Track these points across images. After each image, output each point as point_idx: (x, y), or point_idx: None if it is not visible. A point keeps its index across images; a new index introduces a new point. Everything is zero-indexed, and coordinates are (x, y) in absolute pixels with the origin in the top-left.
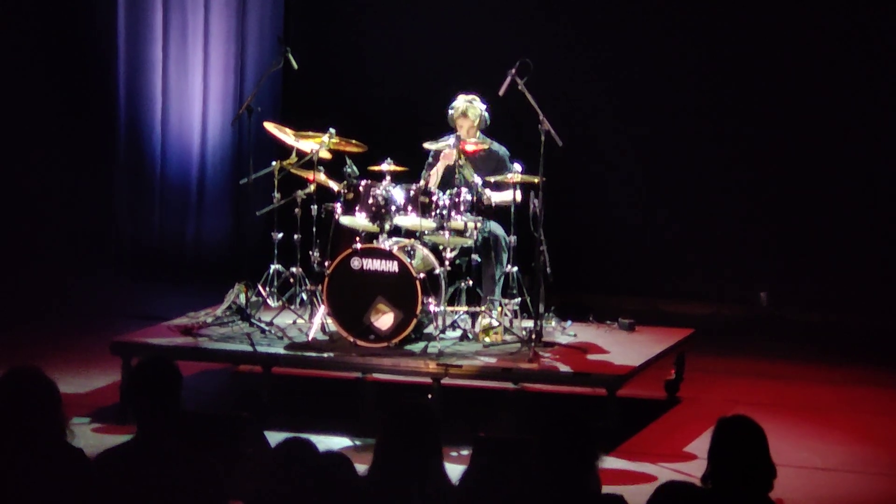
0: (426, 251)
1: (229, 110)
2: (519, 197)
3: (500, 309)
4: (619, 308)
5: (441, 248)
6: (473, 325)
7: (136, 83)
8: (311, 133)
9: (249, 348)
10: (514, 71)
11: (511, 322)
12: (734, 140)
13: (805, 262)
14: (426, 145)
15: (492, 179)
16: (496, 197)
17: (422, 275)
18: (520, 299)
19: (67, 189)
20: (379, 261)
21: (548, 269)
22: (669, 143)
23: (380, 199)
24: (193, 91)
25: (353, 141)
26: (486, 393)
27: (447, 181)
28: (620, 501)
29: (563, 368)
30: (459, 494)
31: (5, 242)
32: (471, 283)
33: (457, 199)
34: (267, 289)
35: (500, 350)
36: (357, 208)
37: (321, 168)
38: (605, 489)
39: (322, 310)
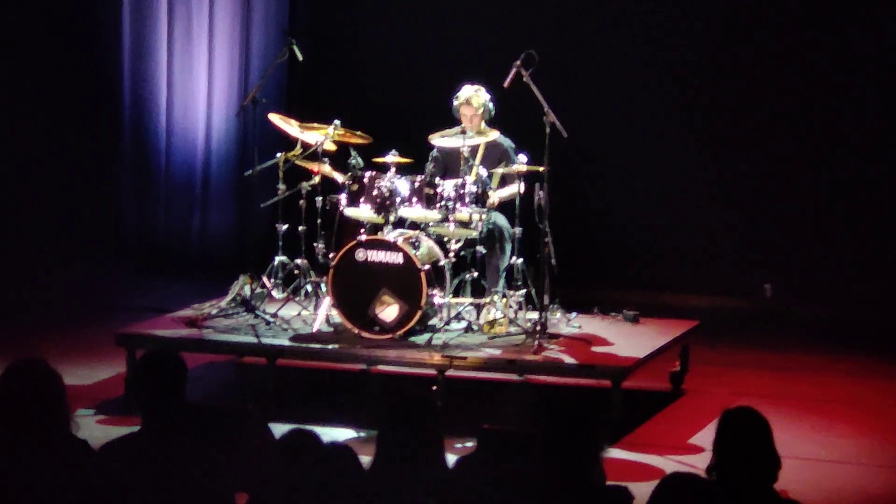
0: (431, 243)
1: (234, 102)
2: (522, 188)
3: (504, 300)
4: (624, 300)
5: (446, 239)
6: (478, 317)
7: (141, 76)
8: (315, 125)
9: (254, 340)
10: (519, 62)
11: (516, 314)
12: (740, 132)
13: (809, 255)
14: (431, 138)
15: (498, 171)
16: (501, 193)
17: (426, 266)
18: (524, 291)
19: (73, 182)
20: (384, 252)
21: (552, 261)
22: (674, 134)
23: (384, 190)
24: (198, 83)
25: (358, 132)
26: (491, 384)
27: (452, 171)
28: (625, 493)
29: (568, 360)
30: (460, 483)
31: (11, 236)
32: (475, 274)
33: (462, 191)
34: (271, 280)
35: (504, 342)
36: (362, 200)
37: (326, 160)
38: (610, 481)
39: (327, 301)
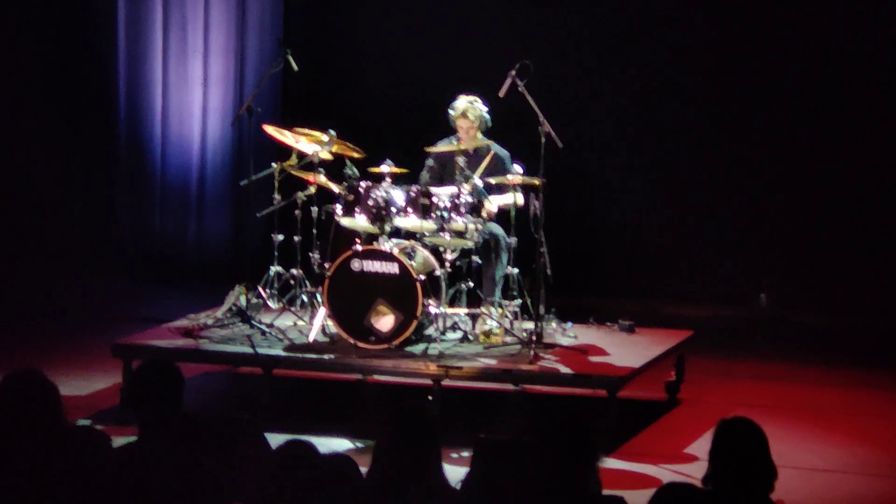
0: (426, 253)
1: (229, 112)
2: (521, 200)
3: (500, 310)
4: (620, 309)
5: (441, 249)
6: (474, 327)
7: (137, 85)
8: (311, 134)
9: (250, 350)
10: (514, 72)
11: (511, 323)
12: (734, 142)
13: (805, 264)
14: (427, 148)
15: (492, 181)
16: (497, 202)
17: (422, 276)
18: (520, 301)
19: (68, 192)
20: (379, 262)
21: (548, 271)
22: (669, 144)
23: (380, 200)
24: (193, 93)
25: (352, 147)
26: (487, 394)
27: (447, 178)
28: (621, 503)
29: (564, 370)
30: (459, 497)
31: (8, 245)
32: (471, 284)
33: (457, 201)
34: (267, 290)
35: (500, 351)
36: (357, 210)
37: (321, 170)
38: (606, 491)
39: (322, 311)
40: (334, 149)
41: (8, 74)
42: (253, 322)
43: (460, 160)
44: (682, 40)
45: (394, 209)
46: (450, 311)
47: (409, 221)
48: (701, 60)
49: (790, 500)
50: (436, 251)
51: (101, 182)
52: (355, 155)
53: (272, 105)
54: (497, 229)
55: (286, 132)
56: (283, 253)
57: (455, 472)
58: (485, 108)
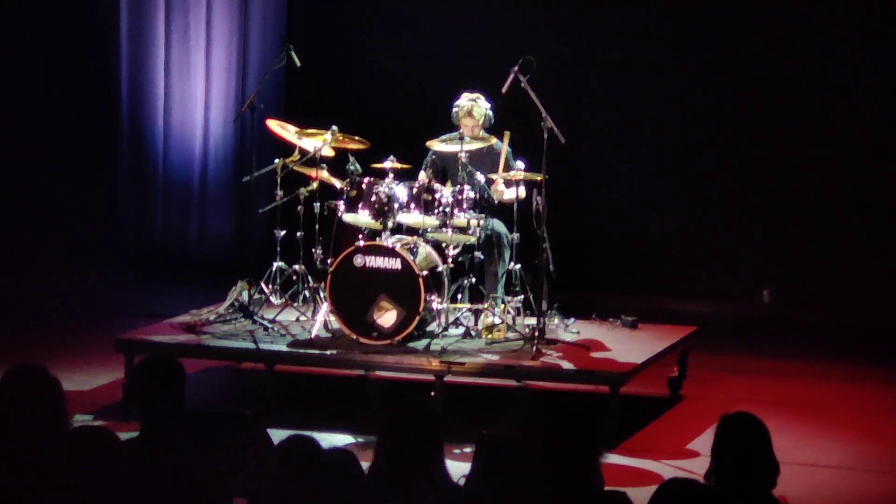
0: (429, 248)
1: (232, 108)
2: (523, 193)
3: (502, 306)
4: (622, 305)
5: (444, 245)
6: (476, 323)
7: (139, 82)
8: (313, 130)
9: (252, 346)
10: (516, 68)
11: (514, 319)
12: (738, 138)
13: (808, 260)
14: (430, 144)
15: (495, 176)
16: (509, 193)
17: (424, 272)
18: (522, 296)
19: (71, 188)
20: (382, 258)
21: (551, 267)
22: (673, 140)
23: (383, 196)
24: (196, 89)
25: (357, 138)
26: (489, 390)
27: (450, 176)
28: (623, 499)
29: (566, 366)
30: (462, 493)
31: (10, 241)
32: (473, 280)
33: (460, 197)
34: (270, 286)
35: (502, 347)
36: (360, 206)
37: (324, 165)
38: (608, 487)
39: (325, 307)
40: (337, 142)
41: (10, 70)
42: (255, 318)
43: (463, 156)
44: (687, 36)
45: (396, 205)
46: (452, 306)
47: (412, 217)
48: (705, 57)
49: (792, 496)
50: (438, 247)
51: (103, 178)
52: (360, 146)
53: (274, 101)
54: (499, 225)
55: (289, 127)
56: (286, 249)
57: (458, 468)
58: (488, 105)
